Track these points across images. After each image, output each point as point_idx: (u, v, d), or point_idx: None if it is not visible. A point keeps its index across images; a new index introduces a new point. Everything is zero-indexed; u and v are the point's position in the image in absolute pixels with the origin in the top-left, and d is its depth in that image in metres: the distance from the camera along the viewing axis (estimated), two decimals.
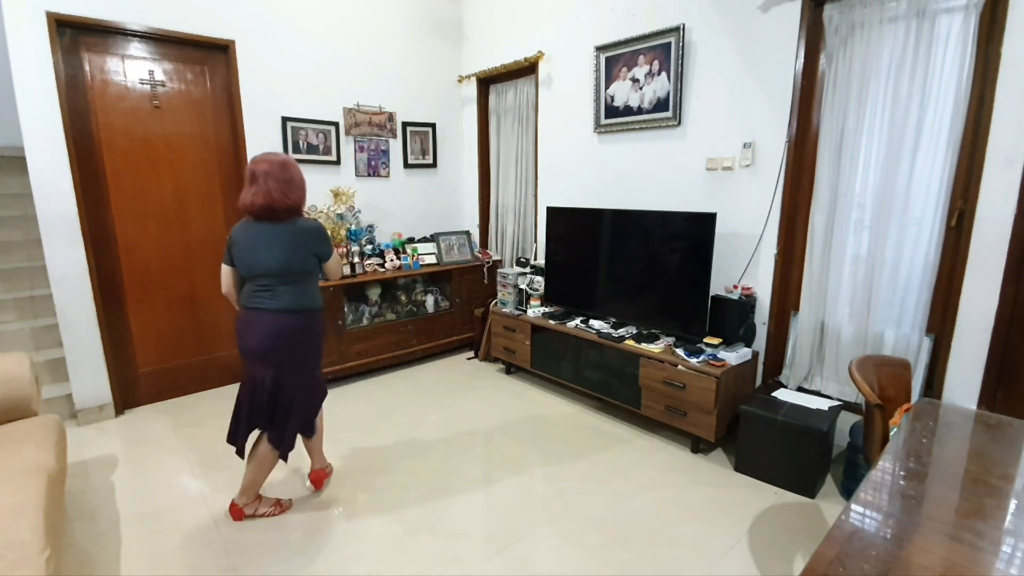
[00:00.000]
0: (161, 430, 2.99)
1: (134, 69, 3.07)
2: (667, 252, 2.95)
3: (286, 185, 1.97)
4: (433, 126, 4.41)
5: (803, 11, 2.48)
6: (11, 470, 1.73)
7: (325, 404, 3.26)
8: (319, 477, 2.40)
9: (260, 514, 2.21)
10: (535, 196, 4.05)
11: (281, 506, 2.25)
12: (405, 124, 4.24)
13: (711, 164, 2.90)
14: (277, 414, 2.09)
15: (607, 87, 3.35)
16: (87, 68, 2.93)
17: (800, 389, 2.70)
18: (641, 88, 3.16)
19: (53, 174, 2.82)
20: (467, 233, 4.39)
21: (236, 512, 2.19)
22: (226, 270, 2.10)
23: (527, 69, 3.91)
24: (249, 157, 3.43)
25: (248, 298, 2.04)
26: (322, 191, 3.77)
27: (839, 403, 2.51)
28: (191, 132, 3.30)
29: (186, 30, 3.16)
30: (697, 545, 2.03)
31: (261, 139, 3.51)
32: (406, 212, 4.33)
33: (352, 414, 3.19)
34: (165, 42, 3.14)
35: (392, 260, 3.83)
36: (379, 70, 4.03)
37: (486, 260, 4.28)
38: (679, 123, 3.02)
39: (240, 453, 2.17)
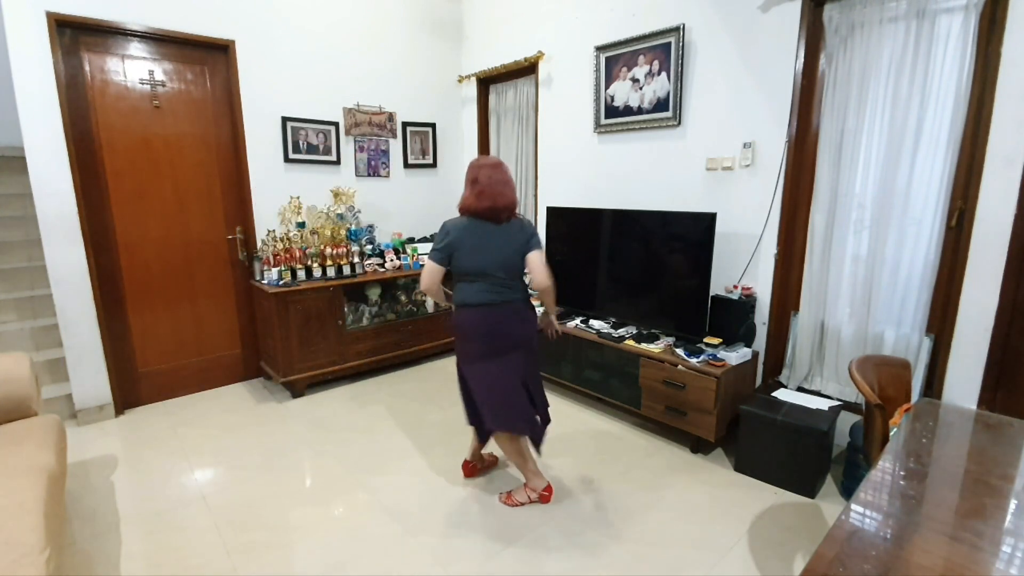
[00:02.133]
0: (161, 430, 2.99)
1: (134, 69, 3.07)
2: (667, 252, 2.95)
3: (506, 187, 2.10)
4: (433, 126, 4.41)
5: (803, 11, 2.48)
6: (11, 470, 1.73)
7: (330, 405, 3.24)
8: (549, 492, 2.31)
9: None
10: (535, 196, 4.05)
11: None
12: (405, 124, 4.24)
13: (711, 164, 2.90)
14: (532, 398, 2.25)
15: (607, 87, 3.35)
16: (87, 68, 2.93)
17: (800, 389, 2.70)
18: (641, 88, 3.16)
19: (53, 174, 2.82)
20: None
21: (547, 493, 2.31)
22: (435, 268, 2.12)
23: (527, 69, 3.91)
24: (249, 157, 3.47)
25: (480, 295, 2.11)
26: (322, 191, 3.78)
27: (839, 403, 2.51)
28: (191, 132, 3.30)
29: (186, 30, 3.16)
30: (697, 545, 2.03)
31: (261, 139, 3.52)
32: (406, 212, 4.33)
33: (352, 414, 3.19)
34: (165, 42, 3.14)
35: (392, 260, 3.83)
36: (379, 70, 4.03)
37: None
38: (679, 123, 3.01)
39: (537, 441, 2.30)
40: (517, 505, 2.27)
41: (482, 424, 2.27)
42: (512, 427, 2.20)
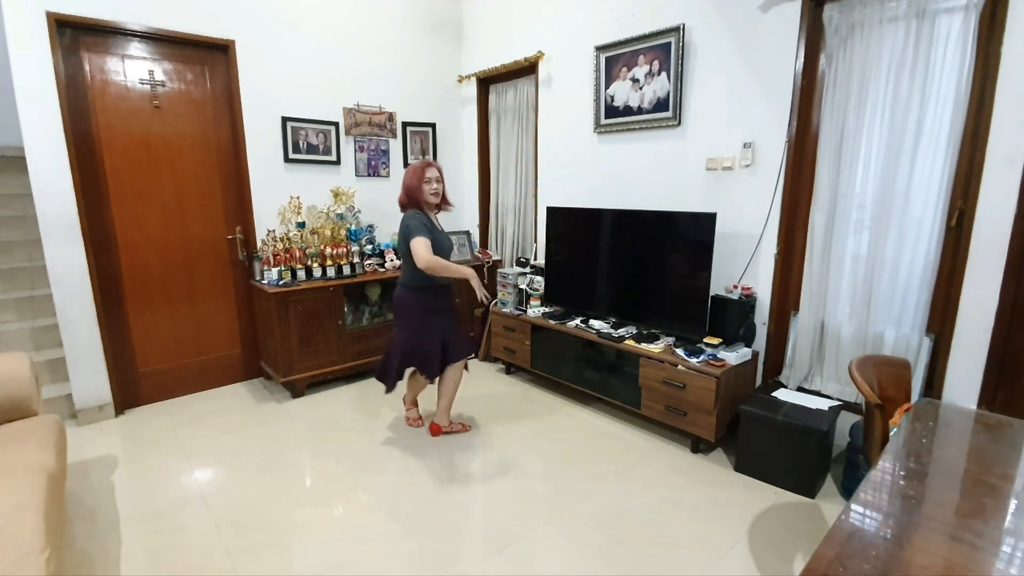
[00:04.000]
0: (161, 430, 2.99)
1: (134, 69, 3.07)
2: (667, 252, 2.95)
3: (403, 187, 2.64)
4: (433, 126, 4.41)
5: (803, 11, 2.48)
6: (11, 470, 1.73)
7: (330, 405, 3.25)
8: (435, 430, 2.92)
9: (453, 431, 2.94)
10: (535, 196, 4.05)
11: (465, 427, 2.97)
12: (405, 124, 4.24)
13: (711, 164, 2.90)
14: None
15: (607, 87, 3.35)
16: (87, 68, 2.93)
17: (800, 389, 2.70)
18: (641, 88, 3.16)
19: (53, 174, 2.82)
20: (467, 233, 4.39)
21: (434, 429, 2.91)
22: None
23: (527, 69, 3.91)
24: (249, 157, 3.48)
25: None
26: (322, 191, 3.78)
27: (839, 403, 2.51)
28: (191, 132, 3.30)
29: (186, 30, 3.16)
30: (697, 545, 2.03)
31: (261, 139, 3.52)
32: None
33: (352, 414, 3.19)
34: (165, 42, 3.14)
35: (392, 260, 3.83)
36: (379, 70, 4.03)
37: (486, 260, 4.28)
38: (679, 123, 3.01)
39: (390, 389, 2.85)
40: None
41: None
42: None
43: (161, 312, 3.33)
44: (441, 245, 2.60)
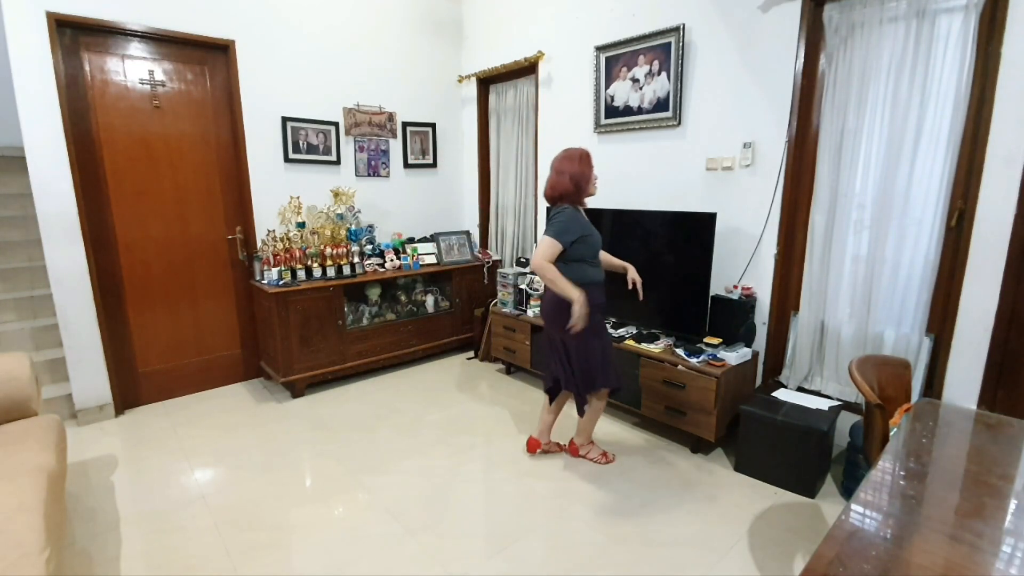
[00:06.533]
0: (161, 430, 2.99)
1: (134, 69, 3.07)
2: (667, 252, 2.95)
3: (557, 176, 2.32)
4: (433, 126, 4.41)
5: (803, 11, 2.48)
6: (11, 470, 1.73)
7: (330, 405, 3.23)
8: (574, 450, 2.67)
9: (590, 458, 2.64)
10: (535, 196, 4.05)
11: (608, 457, 2.64)
12: (405, 124, 4.24)
13: (711, 164, 2.90)
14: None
15: (607, 87, 3.35)
16: (87, 68, 2.93)
17: (800, 389, 2.70)
18: (641, 88, 3.16)
19: (53, 174, 2.82)
20: (467, 233, 4.39)
21: (573, 449, 2.66)
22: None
23: (527, 69, 3.91)
24: (249, 157, 3.47)
25: None
26: (322, 191, 3.78)
27: (839, 403, 2.50)
28: (191, 132, 3.30)
29: (186, 30, 3.16)
30: (697, 545, 2.03)
31: (261, 139, 3.52)
32: (406, 212, 4.33)
33: (352, 414, 3.19)
34: (165, 42, 3.14)
35: (392, 260, 3.83)
36: (379, 70, 4.03)
37: (486, 260, 4.27)
38: (679, 123, 3.01)
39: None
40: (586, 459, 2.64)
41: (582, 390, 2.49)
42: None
43: (161, 312, 3.33)
44: (596, 242, 2.38)
